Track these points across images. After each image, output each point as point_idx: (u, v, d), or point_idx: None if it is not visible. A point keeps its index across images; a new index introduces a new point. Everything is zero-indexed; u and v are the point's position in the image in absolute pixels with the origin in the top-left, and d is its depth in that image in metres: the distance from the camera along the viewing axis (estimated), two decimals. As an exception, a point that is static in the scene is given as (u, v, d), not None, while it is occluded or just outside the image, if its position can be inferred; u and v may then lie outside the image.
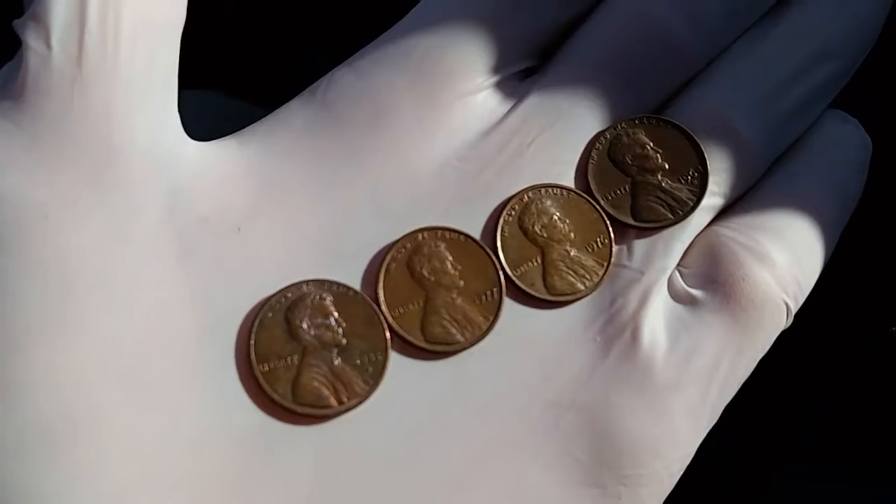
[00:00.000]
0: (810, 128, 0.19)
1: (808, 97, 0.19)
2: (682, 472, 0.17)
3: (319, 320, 0.15)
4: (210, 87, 0.24)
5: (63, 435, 0.14)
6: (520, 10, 0.18)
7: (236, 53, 0.24)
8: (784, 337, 0.18)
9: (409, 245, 0.16)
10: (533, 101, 0.18)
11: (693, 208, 0.18)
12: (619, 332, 0.17)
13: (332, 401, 0.15)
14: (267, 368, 0.15)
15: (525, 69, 0.19)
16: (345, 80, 0.18)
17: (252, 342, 0.15)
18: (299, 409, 0.15)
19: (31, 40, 0.15)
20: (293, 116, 0.17)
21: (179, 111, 0.16)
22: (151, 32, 0.16)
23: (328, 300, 0.15)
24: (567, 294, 0.17)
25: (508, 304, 0.17)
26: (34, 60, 0.15)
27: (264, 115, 0.18)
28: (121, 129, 0.15)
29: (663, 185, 0.18)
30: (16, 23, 0.15)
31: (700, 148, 0.18)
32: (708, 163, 0.18)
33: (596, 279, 0.17)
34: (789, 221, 0.18)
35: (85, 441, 0.14)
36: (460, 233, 0.17)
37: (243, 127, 0.18)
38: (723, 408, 0.17)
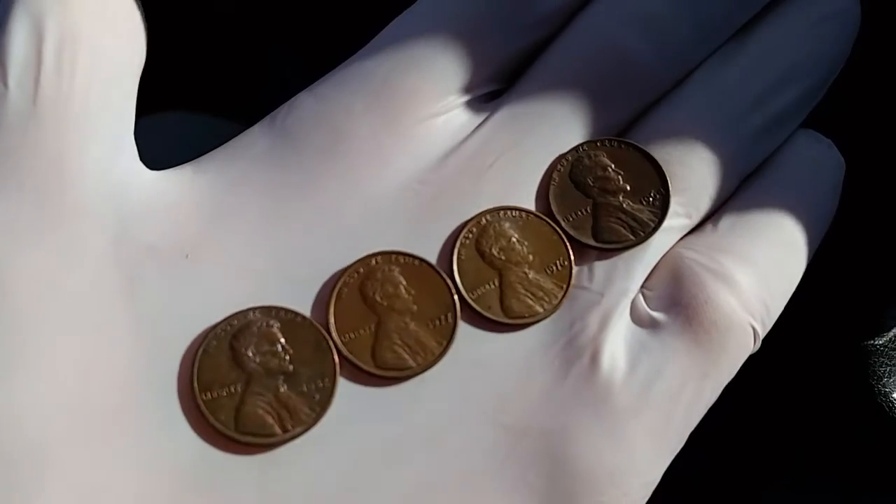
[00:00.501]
0: (783, 147, 0.19)
1: (778, 116, 0.19)
2: (646, 500, 0.16)
3: (265, 347, 0.15)
4: (198, 109, 0.24)
5: (7, 470, 0.13)
6: (485, 34, 0.18)
7: (226, 73, 0.24)
8: (756, 355, 0.18)
9: (362, 270, 0.16)
10: (496, 123, 0.18)
11: (654, 229, 0.18)
12: (577, 356, 0.16)
13: (277, 429, 0.15)
14: (209, 397, 0.15)
15: (491, 91, 0.19)
16: (305, 105, 0.18)
17: (195, 370, 0.15)
18: (241, 438, 0.14)
19: None
20: (251, 143, 0.17)
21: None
22: (107, 70, 0.16)
23: (275, 327, 0.15)
24: (525, 317, 0.17)
25: (464, 328, 0.16)
26: None
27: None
28: (72, 164, 0.15)
29: (625, 206, 0.18)
30: None
31: (662, 169, 0.18)
32: (671, 184, 0.18)
33: (555, 301, 0.17)
34: (758, 242, 0.18)
35: (27, 475, 0.14)
36: (415, 257, 0.16)
37: None
38: (689, 432, 0.17)
